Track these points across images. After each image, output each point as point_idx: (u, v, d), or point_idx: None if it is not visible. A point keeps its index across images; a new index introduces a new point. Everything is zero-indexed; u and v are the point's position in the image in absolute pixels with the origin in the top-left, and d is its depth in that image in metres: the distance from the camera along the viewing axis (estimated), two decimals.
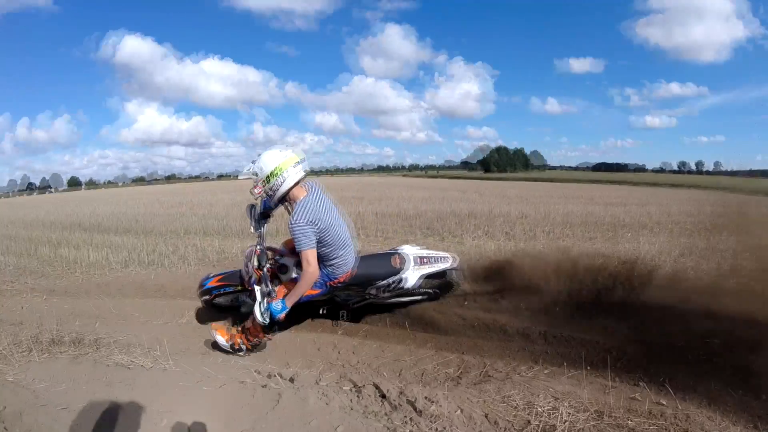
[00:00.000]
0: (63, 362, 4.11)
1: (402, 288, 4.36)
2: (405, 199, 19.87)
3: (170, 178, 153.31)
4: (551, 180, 55.90)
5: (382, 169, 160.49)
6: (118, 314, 5.55)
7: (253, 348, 4.37)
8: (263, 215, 4.28)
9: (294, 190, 3.92)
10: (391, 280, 4.33)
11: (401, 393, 3.30)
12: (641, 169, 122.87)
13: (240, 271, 4.61)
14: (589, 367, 3.73)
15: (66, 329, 4.82)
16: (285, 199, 3.99)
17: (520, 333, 4.50)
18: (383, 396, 3.31)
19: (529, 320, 4.61)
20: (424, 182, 48.76)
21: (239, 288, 4.69)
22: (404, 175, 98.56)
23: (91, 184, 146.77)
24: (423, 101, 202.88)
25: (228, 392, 3.47)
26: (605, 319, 4.45)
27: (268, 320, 3.98)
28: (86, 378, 3.74)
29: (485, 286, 5.15)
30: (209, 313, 5.22)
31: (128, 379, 3.69)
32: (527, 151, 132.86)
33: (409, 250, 4.46)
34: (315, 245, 3.83)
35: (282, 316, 4.01)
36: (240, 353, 4.34)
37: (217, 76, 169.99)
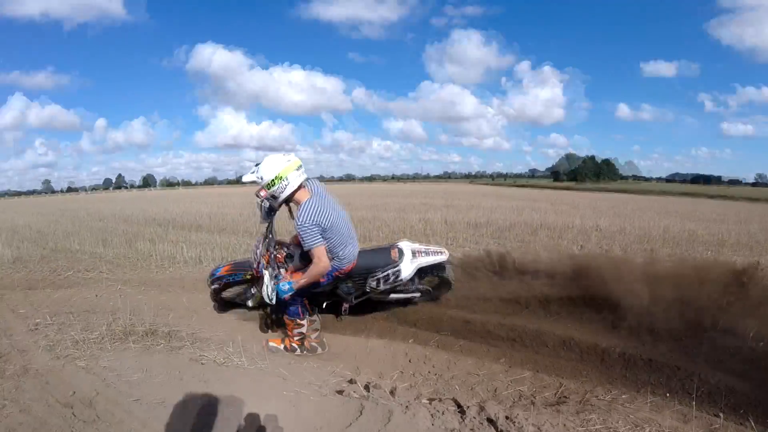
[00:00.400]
0: (135, 352, 4.05)
1: (399, 279, 4.48)
2: (495, 208, 19.35)
3: (240, 179, 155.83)
4: (642, 192, 52.71)
5: (467, 177, 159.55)
6: (191, 308, 5.48)
7: (304, 345, 4.45)
8: (270, 209, 4.38)
9: (297, 193, 4.10)
10: (390, 270, 4.46)
11: (481, 410, 3.10)
12: (736, 182, 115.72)
13: (249, 260, 4.80)
14: (668, 394, 3.54)
15: (139, 320, 4.77)
16: (289, 201, 4.17)
17: (597, 353, 4.14)
18: (462, 412, 3.11)
19: (608, 339, 4.25)
20: (513, 192, 47.30)
21: (248, 276, 4.83)
22: (491, 184, 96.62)
23: (165, 183, 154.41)
24: (509, 108, 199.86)
25: (306, 398, 3.30)
26: (692, 341, 4.02)
27: (274, 299, 4.19)
28: (159, 371, 3.64)
29: (559, 293, 4.86)
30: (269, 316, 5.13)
31: (200, 374, 3.58)
32: (618, 160, 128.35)
33: (406, 245, 4.60)
34: (323, 242, 4.00)
35: (288, 296, 4.15)
36: (296, 353, 4.42)
37: (302, 85, 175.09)
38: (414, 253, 4.54)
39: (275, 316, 4.94)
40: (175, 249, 9.14)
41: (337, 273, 4.33)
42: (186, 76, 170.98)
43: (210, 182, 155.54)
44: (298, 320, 4.37)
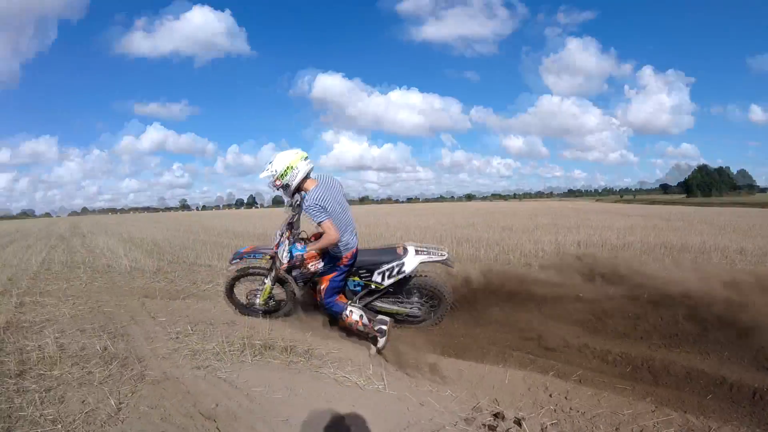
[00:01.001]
0: (277, 368, 4.01)
1: (402, 271, 4.93)
2: (606, 227, 17.99)
3: (363, 200, 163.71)
4: (763, 205, 46.71)
5: (571, 193, 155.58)
6: (328, 327, 5.38)
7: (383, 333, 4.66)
8: (298, 205, 4.92)
9: (306, 182, 4.72)
10: (394, 263, 4.94)
11: None
12: None
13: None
14: None
15: (277, 335, 4.79)
16: (299, 190, 4.75)
17: (753, 393, 3.64)
18: None
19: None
20: (621, 208, 44.73)
21: (268, 257, 5.34)
22: (597, 200, 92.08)
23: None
24: (613, 117, 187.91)
25: None
26: None
27: (286, 260, 4.88)
28: (305, 390, 3.56)
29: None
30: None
31: (345, 397, 3.48)
32: (732, 169, 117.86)
33: (410, 244, 5.12)
34: (329, 217, 4.53)
35: (299, 255, 4.75)
36: (380, 343, 4.65)
37: (403, 105, 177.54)
38: (417, 251, 5.01)
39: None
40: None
41: (341, 261, 4.83)
42: (310, 104, 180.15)
43: None
44: (346, 314, 4.81)
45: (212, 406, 3.37)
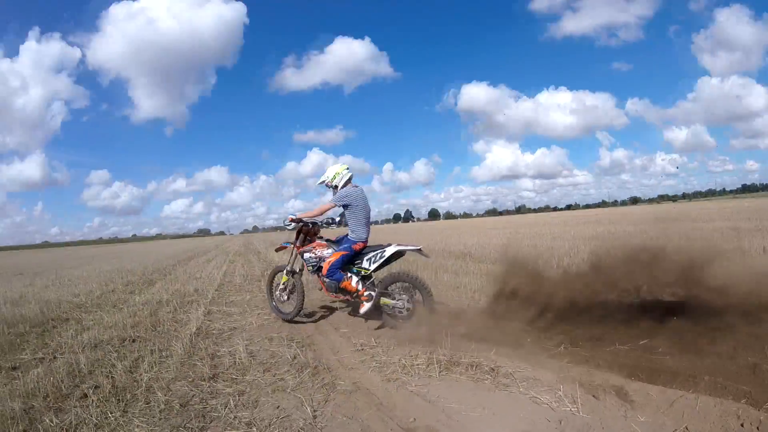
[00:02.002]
0: (465, 385, 3.81)
1: (384, 256, 5.97)
2: None
3: (520, 209, 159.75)
4: None
5: (746, 189, 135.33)
6: (514, 343, 5.08)
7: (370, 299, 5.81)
8: (326, 223, 6.70)
9: (347, 185, 6.21)
10: (378, 251, 6.02)
11: None
12: None
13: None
14: None
15: (461, 351, 4.55)
16: (338, 188, 6.22)
17: None
18: None
19: None
20: None
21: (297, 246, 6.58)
22: None
23: (449, 215, 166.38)
24: None
25: None
26: None
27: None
28: (501, 409, 3.33)
29: None
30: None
31: (542, 419, 3.20)
32: None
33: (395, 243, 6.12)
34: (337, 205, 6.09)
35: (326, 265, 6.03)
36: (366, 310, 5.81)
37: (553, 106, 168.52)
38: (397, 245, 6.03)
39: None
40: (476, 281, 8.73)
41: (354, 246, 6.01)
42: (458, 116, 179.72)
43: (491, 213, 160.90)
44: (346, 278, 5.94)
45: (410, 420, 3.27)
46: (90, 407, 3.76)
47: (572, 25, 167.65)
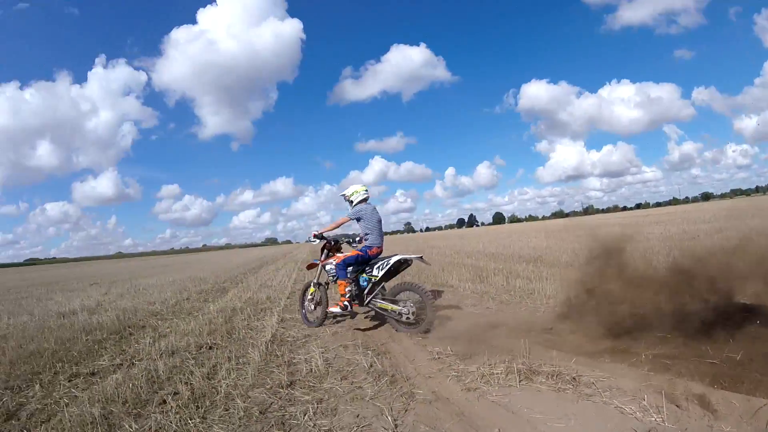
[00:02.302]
0: (547, 395, 3.68)
1: (389, 264, 6.45)
2: None
3: (587, 210, 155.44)
4: None
5: None
6: (593, 350, 4.88)
7: (347, 305, 6.53)
8: (347, 241, 7.53)
9: (362, 202, 6.98)
10: (384, 260, 6.54)
11: None
12: None
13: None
14: None
15: (540, 360, 4.41)
16: (353, 204, 7.04)
17: None
18: None
19: None
20: None
21: (322, 255, 7.46)
22: None
23: (514, 219, 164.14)
24: None
25: None
26: None
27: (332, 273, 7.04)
28: (586, 419, 3.23)
29: None
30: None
31: (634, 430, 3.07)
32: None
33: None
34: (351, 220, 6.91)
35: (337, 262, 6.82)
36: (345, 311, 6.56)
37: (616, 101, 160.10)
38: (401, 255, 6.56)
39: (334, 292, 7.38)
40: (550, 286, 8.34)
41: (369, 251, 6.72)
42: (519, 117, 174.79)
43: (557, 215, 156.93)
44: (342, 281, 6.62)
45: (494, 431, 3.12)
46: (169, 413, 3.85)
47: (629, 14, 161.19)
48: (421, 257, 6.64)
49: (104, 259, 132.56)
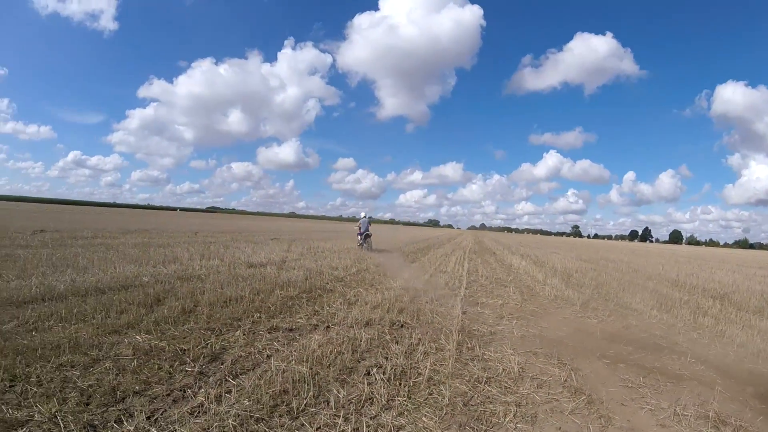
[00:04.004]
0: None
1: (363, 236, 19.65)
2: None
3: None
4: None
5: None
6: None
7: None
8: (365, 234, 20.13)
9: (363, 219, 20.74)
10: (363, 235, 19.72)
11: None
12: None
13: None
14: None
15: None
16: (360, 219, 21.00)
17: None
18: None
19: None
20: None
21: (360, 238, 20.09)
22: None
23: (692, 240, 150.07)
24: None
25: None
26: None
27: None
28: None
29: None
30: None
31: None
32: None
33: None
34: (360, 224, 20.58)
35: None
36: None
37: None
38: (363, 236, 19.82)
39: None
40: (743, 334, 7.35)
41: (361, 233, 19.93)
42: (711, 123, 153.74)
43: (741, 244, 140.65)
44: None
45: None
46: (375, 385, 4.07)
47: None
48: (368, 235, 19.81)
49: (278, 216, 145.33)
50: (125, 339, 4.90)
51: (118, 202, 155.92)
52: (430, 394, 4.04)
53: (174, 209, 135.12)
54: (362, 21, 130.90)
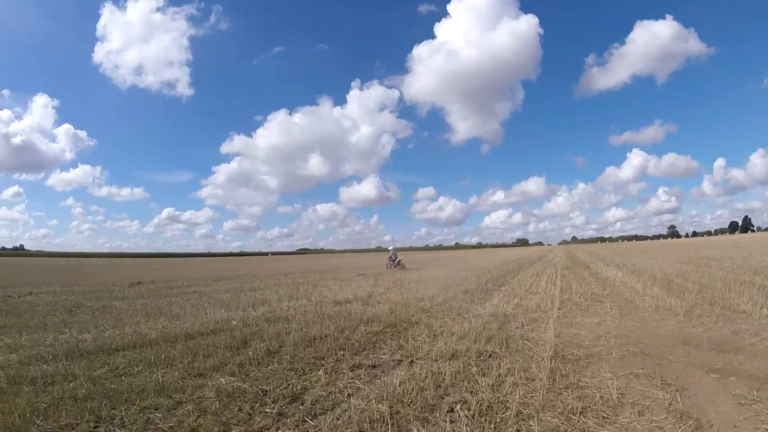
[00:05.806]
0: None
1: (395, 262, 30.77)
2: None
3: None
4: None
5: None
6: None
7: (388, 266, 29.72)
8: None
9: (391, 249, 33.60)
10: (395, 261, 30.81)
11: None
12: None
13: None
14: None
15: None
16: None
17: None
18: None
19: None
20: None
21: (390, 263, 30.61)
22: None
23: None
24: None
25: None
26: None
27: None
28: None
29: None
30: None
31: None
32: None
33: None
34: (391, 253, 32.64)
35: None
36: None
37: None
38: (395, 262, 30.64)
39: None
40: None
41: (392, 260, 30.90)
42: None
43: None
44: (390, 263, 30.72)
45: None
46: (457, 423, 3.84)
47: None
48: (399, 260, 30.26)
49: (366, 252, 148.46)
50: (209, 382, 4.98)
51: (212, 251, 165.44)
52: (518, 431, 3.74)
53: (266, 254, 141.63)
54: (421, 51, 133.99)
